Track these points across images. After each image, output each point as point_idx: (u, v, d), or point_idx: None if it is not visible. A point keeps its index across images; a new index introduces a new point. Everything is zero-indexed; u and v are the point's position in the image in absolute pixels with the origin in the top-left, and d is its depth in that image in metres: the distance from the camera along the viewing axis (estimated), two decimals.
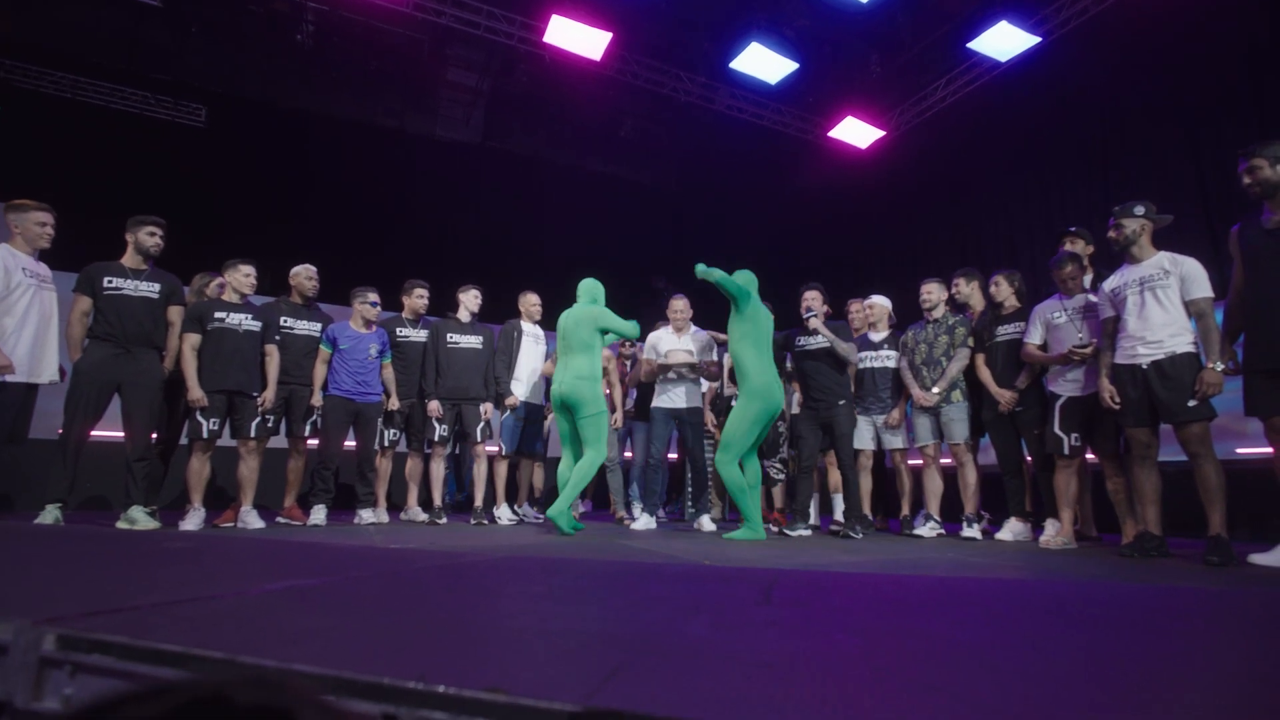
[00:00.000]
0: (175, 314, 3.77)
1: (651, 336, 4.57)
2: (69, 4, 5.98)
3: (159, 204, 4.31)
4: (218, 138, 7.02)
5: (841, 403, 4.04)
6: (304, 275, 4.40)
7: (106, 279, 3.55)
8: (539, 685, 0.73)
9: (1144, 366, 2.99)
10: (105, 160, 6.44)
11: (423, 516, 4.60)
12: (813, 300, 4.16)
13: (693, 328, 4.57)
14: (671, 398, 4.40)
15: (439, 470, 4.59)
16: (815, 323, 4.04)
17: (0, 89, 6.17)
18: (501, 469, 4.74)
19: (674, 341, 4.47)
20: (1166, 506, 3.05)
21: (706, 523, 4.28)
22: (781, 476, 4.57)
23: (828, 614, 1.40)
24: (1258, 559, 2.65)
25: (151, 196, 5.37)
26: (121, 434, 3.57)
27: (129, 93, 6.70)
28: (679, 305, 4.56)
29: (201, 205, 6.51)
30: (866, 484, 4.38)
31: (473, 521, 4.43)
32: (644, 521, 4.19)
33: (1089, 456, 3.57)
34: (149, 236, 3.66)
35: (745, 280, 3.83)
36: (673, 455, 5.85)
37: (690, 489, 4.50)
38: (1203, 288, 2.92)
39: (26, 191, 3.62)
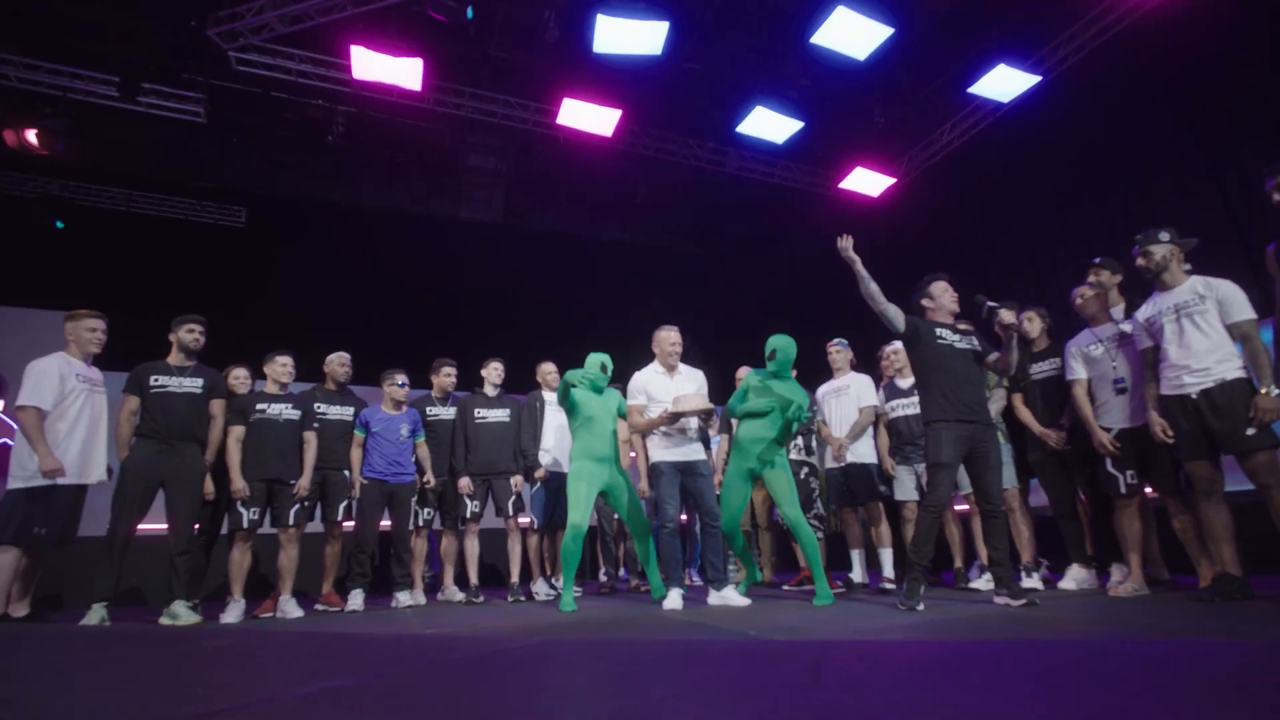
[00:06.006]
0: (217, 407, 3.89)
1: (638, 380, 3.82)
2: (122, 126, 6.54)
3: (204, 302, 4.54)
4: (256, 236, 7.48)
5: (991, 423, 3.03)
6: (337, 362, 4.54)
7: (153, 378, 3.71)
8: None
9: (1193, 396, 2.85)
10: (155, 265, 6.88)
11: (459, 596, 4.53)
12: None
13: (682, 366, 3.86)
14: (680, 450, 3.73)
15: (473, 548, 4.54)
16: (1007, 314, 3.05)
17: (62, 207, 6.73)
18: (534, 542, 4.66)
19: (669, 383, 3.75)
20: (1243, 542, 2.83)
21: (733, 595, 3.54)
22: (820, 535, 4.38)
23: (881, 694, 1.31)
24: None
25: (197, 296, 5.70)
26: (159, 527, 3.63)
27: (176, 201, 7.25)
28: (672, 337, 3.80)
29: (243, 300, 6.87)
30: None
31: (510, 599, 4.34)
32: (674, 599, 3.47)
33: (1149, 492, 3.37)
34: (189, 334, 3.83)
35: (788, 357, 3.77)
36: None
37: (708, 554, 3.68)
38: (1243, 310, 2.81)
39: (83, 300, 3.86)
